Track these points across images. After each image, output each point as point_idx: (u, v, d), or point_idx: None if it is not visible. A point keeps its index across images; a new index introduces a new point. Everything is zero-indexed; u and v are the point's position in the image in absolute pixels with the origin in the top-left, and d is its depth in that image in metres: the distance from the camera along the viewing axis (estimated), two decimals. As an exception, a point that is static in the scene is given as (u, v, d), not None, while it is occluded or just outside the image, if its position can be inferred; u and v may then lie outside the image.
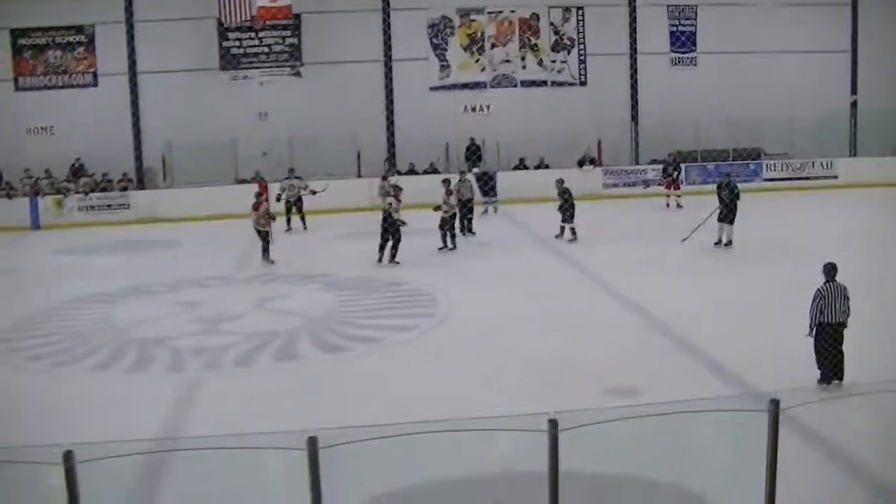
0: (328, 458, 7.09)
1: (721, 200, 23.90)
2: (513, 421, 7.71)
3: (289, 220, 30.20)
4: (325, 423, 8.18)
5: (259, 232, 24.22)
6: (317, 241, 27.98)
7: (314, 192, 29.91)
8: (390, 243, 23.58)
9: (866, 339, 14.99)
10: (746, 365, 13.84)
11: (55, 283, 22.84)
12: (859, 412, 11.12)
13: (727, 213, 23.76)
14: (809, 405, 8.01)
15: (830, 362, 12.83)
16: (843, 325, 12.98)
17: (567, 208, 25.65)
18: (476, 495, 10.00)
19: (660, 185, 33.57)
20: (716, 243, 23.71)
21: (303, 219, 30.46)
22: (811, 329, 12.93)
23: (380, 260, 23.48)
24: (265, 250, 24.18)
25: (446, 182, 26.16)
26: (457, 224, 26.22)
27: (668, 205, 32.48)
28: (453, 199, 25.58)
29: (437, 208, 25.09)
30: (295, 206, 30.46)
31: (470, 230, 27.77)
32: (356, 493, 9.45)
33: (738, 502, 9.05)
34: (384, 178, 31.14)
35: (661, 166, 35.26)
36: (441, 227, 25.01)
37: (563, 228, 25.96)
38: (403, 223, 24.05)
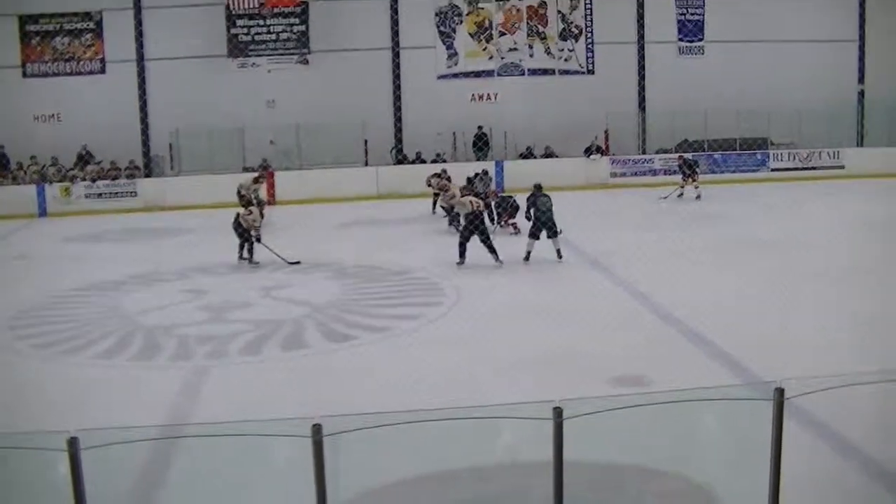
0: (333, 446, 7.09)
1: (531, 217, 22.33)
2: (518, 409, 7.72)
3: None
4: (330, 411, 8.19)
5: (247, 231, 22.86)
6: (324, 230, 27.98)
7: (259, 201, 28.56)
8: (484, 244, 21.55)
9: (873, 328, 15.06)
10: (752, 354, 13.83)
11: (62, 271, 22.88)
12: (865, 402, 11.11)
13: (547, 228, 21.76)
14: (815, 394, 7.98)
15: None
16: None
17: (504, 209, 25.95)
18: (481, 484, 10.01)
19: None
20: (525, 259, 21.88)
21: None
22: None
23: (460, 263, 21.57)
24: (248, 248, 23.07)
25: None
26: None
27: (680, 195, 32.37)
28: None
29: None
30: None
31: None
32: (361, 481, 9.46)
33: (743, 492, 9.05)
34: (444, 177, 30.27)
35: (668, 156, 35.45)
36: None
37: (513, 225, 25.78)
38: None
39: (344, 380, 13.42)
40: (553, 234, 21.85)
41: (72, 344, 16.36)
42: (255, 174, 30.76)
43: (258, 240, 22.87)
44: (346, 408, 10.33)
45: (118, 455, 7.56)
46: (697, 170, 33.07)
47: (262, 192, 30.89)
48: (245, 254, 22.98)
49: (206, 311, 18.41)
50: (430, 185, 29.62)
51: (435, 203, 29.89)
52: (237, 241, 23.01)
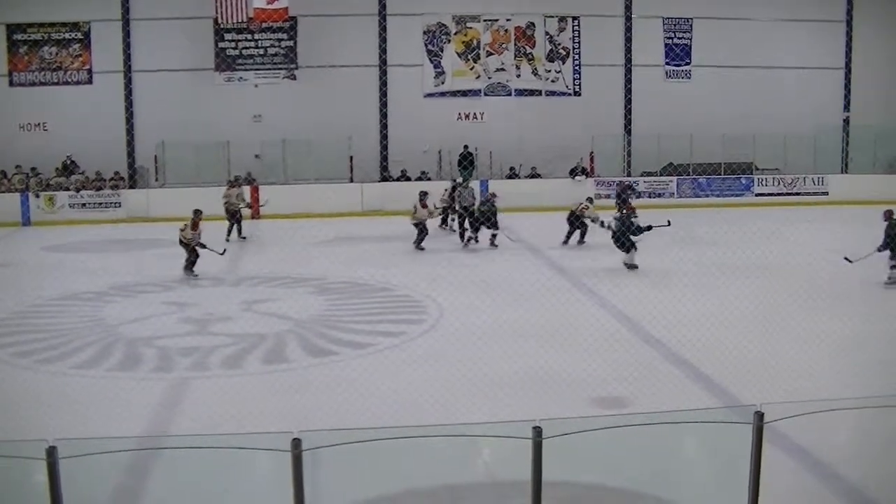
0: (312, 461, 7.08)
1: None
2: (498, 428, 7.72)
3: (229, 230, 28.57)
4: (310, 426, 8.17)
5: (189, 244, 23.12)
6: (308, 245, 27.95)
7: (249, 206, 30.23)
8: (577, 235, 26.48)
9: (856, 354, 15.11)
10: (733, 377, 13.86)
11: (44, 280, 22.78)
12: (845, 427, 11.14)
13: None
14: (794, 419, 8.00)
15: None
16: None
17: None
18: (459, 503, 9.99)
19: None
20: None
21: (239, 229, 29.05)
22: None
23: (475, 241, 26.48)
24: (192, 263, 23.17)
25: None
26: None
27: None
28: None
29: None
30: (233, 216, 29.05)
31: (476, 239, 27.49)
32: (339, 496, 9.44)
33: (721, 515, 9.07)
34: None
35: (653, 178, 35.72)
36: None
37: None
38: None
39: (324, 395, 13.39)
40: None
41: (52, 353, 16.29)
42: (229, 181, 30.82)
43: (203, 246, 22.96)
44: (326, 423, 10.33)
45: (97, 465, 7.52)
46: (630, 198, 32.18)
47: (246, 195, 31.43)
48: (192, 268, 23.17)
49: (188, 324, 18.36)
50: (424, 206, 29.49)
51: (445, 220, 30.33)
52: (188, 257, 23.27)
